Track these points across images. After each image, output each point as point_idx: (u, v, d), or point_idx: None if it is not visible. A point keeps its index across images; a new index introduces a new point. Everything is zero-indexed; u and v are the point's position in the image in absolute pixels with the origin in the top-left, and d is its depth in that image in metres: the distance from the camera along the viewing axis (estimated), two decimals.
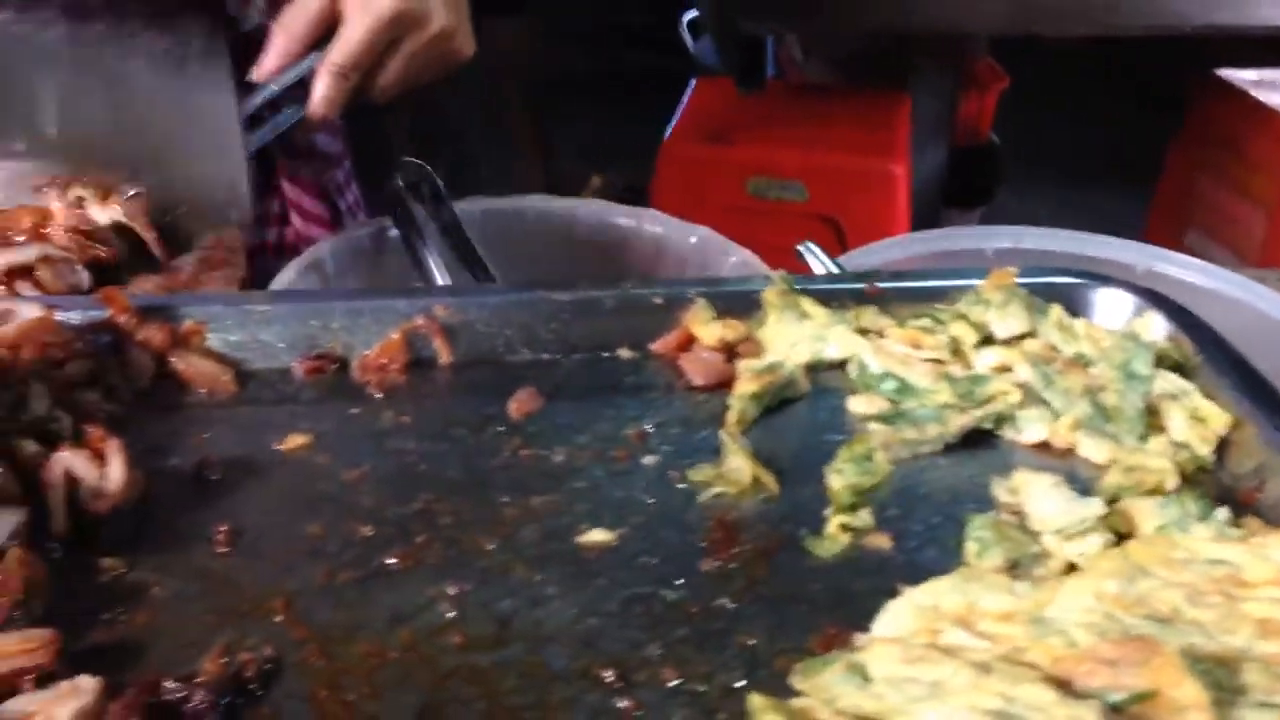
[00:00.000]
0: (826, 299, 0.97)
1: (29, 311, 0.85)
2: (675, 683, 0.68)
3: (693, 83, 3.88)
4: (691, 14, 4.88)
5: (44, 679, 0.65)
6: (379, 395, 0.91)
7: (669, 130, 3.48)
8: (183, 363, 0.90)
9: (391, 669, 0.69)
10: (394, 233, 1.36)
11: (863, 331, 0.94)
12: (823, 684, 0.58)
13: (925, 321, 0.92)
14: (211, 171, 1.15)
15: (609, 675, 0.68)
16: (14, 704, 0.64)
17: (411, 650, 0.70)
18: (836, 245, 3.07)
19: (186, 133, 1.14)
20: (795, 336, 0.93)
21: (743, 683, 0.68)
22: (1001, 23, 3.15)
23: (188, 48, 1.10)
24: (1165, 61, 4.47)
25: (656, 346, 0.96)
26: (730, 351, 0.94)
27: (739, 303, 0.97)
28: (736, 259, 1.34)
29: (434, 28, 1.26)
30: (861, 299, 0.97)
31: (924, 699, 0.54)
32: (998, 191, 4.30)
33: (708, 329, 0.94)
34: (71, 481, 0.77)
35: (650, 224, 1.42)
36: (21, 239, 1.13)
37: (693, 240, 1.39)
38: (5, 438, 0.77)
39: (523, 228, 1.45)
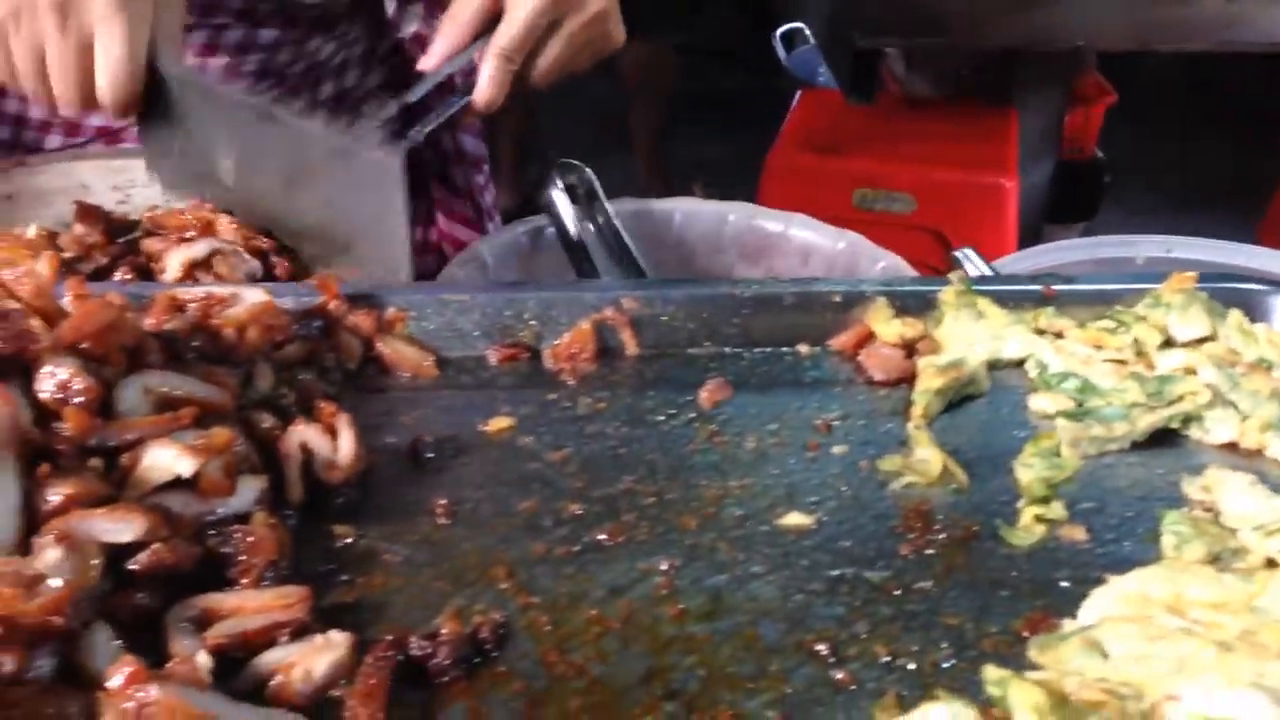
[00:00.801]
0: (1003, 300, 0.99)
1: (253, 296, 0.90)
2: (886, 659, 0.71)
3: (798, 95, 3.91)
4: (785, 27, 4.90)
5: (298, 633, 0.70)
6: (572, 382, 0.95)
7: (775, 142, 3.52)
8: (387, 347, 0.95)
9: (615, 636, 0.72)
10: (550, 231, 1.41)
11: (1040, 332, 0.97)
12: (1062, 657, 0.60)
13: (1107, 323, 0.94)
14: (375, 254, 1.11)
15: (822, 649, 0.71)
16: (273, 654, 0.69)
17: (631, 619, 0.73)
18: (941, 259, 3.07)
19: (356, 215, 1.12)
20: (973, 335, 0.96)
21: (952, 661, 0.70)
22: (1118, 38, 3.12)
23: (363, 123, 1.10)
24: (1276, 80, 4.40)
25: (835, 342, 0.99)
26: (909, 348, 0.96)
27: (915, 302, 0.99)
28: (885, 264, 1.36)
29: (592, 8, 1.29)
30: (1038, 300, 0.99)
31: (1172, 674, 0.56)
32: (1100, 207, 4.26)
33: (888, 326, 0.96)
34: (306, 453, 0.81)
35: (798, 228, 1.44)
36: (191, 234, 1.18)
37: (840, 245, 1.42)
38: (243, 411, 0.82)
39: (672, 229, 1.48)
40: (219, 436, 0.75)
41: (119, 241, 1.24)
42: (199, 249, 1.15)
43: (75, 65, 1.12)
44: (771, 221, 1.46)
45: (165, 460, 0.72)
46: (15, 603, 0.62)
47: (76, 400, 0.72)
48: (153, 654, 0.66)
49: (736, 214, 1.48)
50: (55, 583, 0.64)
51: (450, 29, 1.25)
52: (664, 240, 1.48)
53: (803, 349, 1.00)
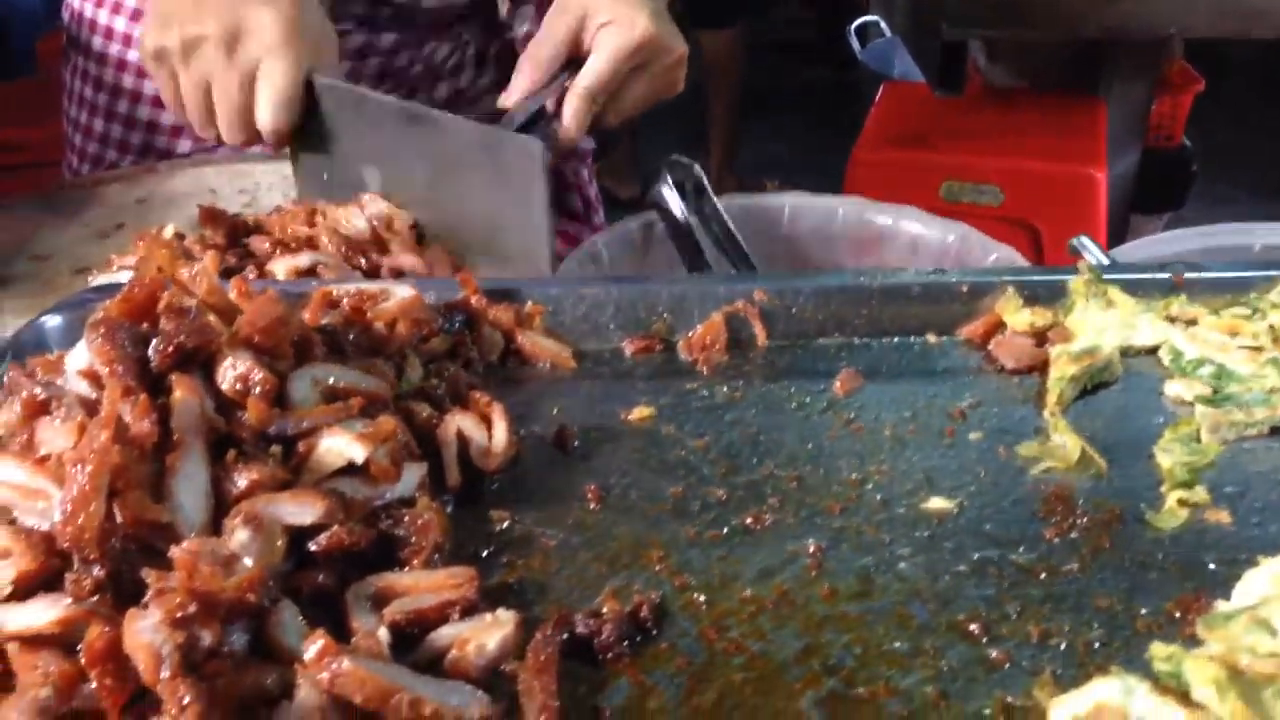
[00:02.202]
0: (1131, 288, 1.00)
1: (402, 292, 0.94)
2: (1039, 638, 0.72)
3: (880, 88, 3.90)
4: (860, 21, 4.88)
5: (468, 611, 0.73)
6: (707, 373, 0.98)
7: (857, 136, 3.51)
8: (527, 340, 0.99)
9: (769, 614, 0.75)
10: (660, 226, 1.43)
11: (1170, 319, 0.97)
12: (1232, 634, 0.61)
13: (1241, 310, 0.94)
14: (517, 245, 1.17)
15: (974, 628, 0.73)
16: (446, 631, 0.72)
17: (784, 599, 0.76)
18: (1031, 250, 3.05)
19: (499, 207, 1.16)
20: (1103, 324, 0.96)
21: (1106, 642, 0.72)
22: (1211, 24, 3.08)
23: (506, 141, 1.12)
24: None
25: (964, 332, 1.00)
26: (1039, 337, 0.97)
27: (1044, 291, 1.00)
28: (997, 256, 1.37)
29: (676, 54, 1.33)
30: (1167, 288, 1.00)
31: None
32: (1188, 197, 4.19)
33: (1018, 315, 0.97)
34: (461, 441, 0.85)
35: (908, 221, 1.46)
36: (294, 245, 1.22)
37: (950, 238, 1.43)
38: (399, 402, 0.86)
39: (781, 223, 1.50)
40: (385, 424, 0.78)
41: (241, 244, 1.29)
42: (303, 260, 1.19)
43: (239, 98, 1.18)
44: (881, 215, 1.47)
45: (339, 447, 0.76)
46: (214, 581, 0.65)
47: (256, 391, 0.75)
48: (331, 630, 0.69)
49: (846, 208, 1.50)
50: (248, 562, 0.68)
51: (529, 68, 1.27)
52: (773, 234, 1.50)
53: (931, 338, 1.01)
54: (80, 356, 0.76)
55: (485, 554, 0.79)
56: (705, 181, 1.46)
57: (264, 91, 1.15)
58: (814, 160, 3.36)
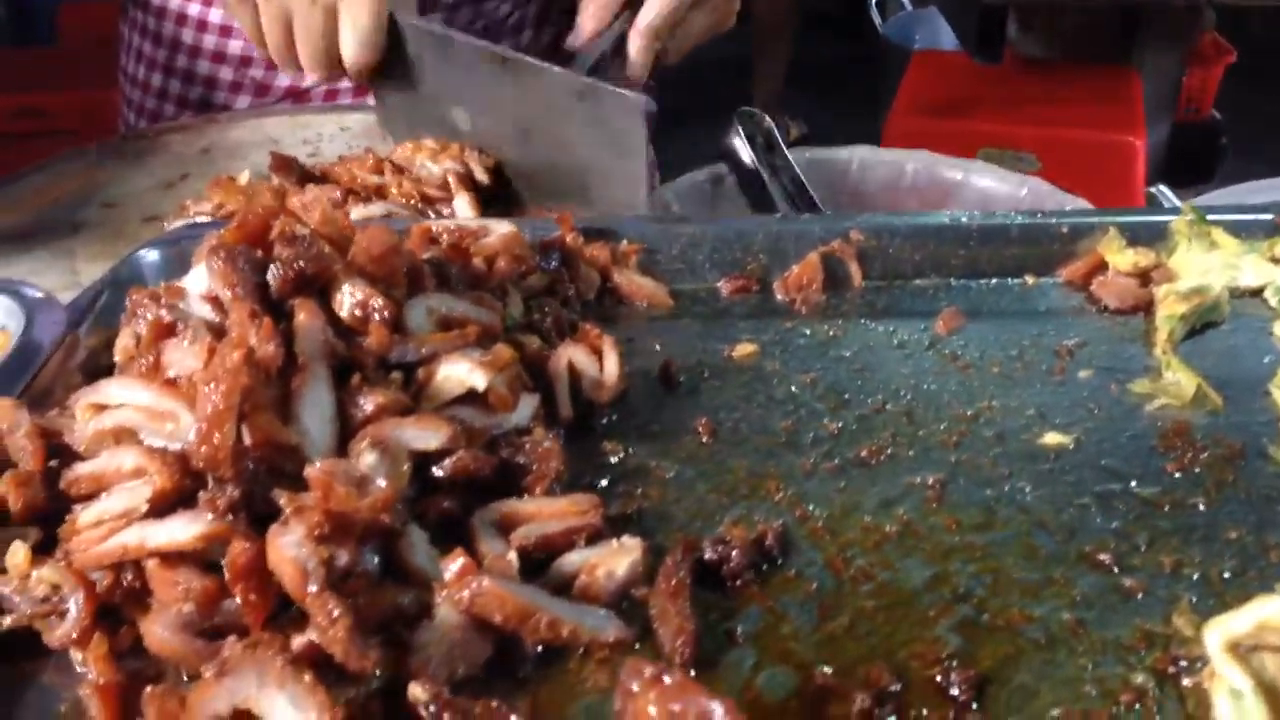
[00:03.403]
0: (1234, 230, 0.98)
1: (502, 228, 0.93)
2: (1172, 569, 0.71)
3: (911, 59, 3.88)
4: None
5: (592, 538, 0.72)
6: (805, 312, 0.97)
7: (889, 107, 3.50)
8: (624, 279, 0.98)
9: (894, 544, 0.74)
10: (729, 178, 1.42)
11: (1275, 260, 0.96)
12: None
13: None
14: (612, 194, 1.14)
15: (1104, 558, 0.72)
16: (573, 557, 0.71)
17: (909, 529, 0.75)
18: None
19: (595, 157, 1.13)
20: (1207, 265, 0.95)
21: (1240, 573, 0.71)
22: None
23: (606, 94, 1.08)
24: None
25: (1065, 272, 0.99)
26: (1143, 278, 0.96)
27: (1145, 232, 0.99)
28: (1071, 208, 1.36)
29: None
30: (1269, 230, 0.99)
31: None
32: (1219, 170, 4.17)
33: (1122, 256, 0.96)
34: (573, 373, 0.84)
35: (979, 176, 1.45)
36: (364, 194, 1.21)
37: (1023, 192, 1.41)
38: (510, 334, 0.85)
39: (849, 177, 1.49)
40: (503, 353, 0.78)
41: None
42: (375, 209, 1.18)
43: (321, 33, 1.17)
44: (951, 169, 1.46)
45: (459, 374, 0.75)
46: (349, 501, 0.65)
47: (377, 317, 0.75)
48: None
49: (915, 162, 1.49)
50: (380, 483, 0.68)
51: (595, 8, 1.26)
52: (841, 188, 1.49)
53: (1029, 279, 1.00)
54: (200, 281, 0.75)
55: (601, 485, 0.79)
56: (776, 133, 1.44)
57: (346, 26, 1.15)
58: (837, 132, 3.34)
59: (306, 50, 1.18)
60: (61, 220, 1.29)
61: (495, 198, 1.22)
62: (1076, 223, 1.00)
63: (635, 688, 0.48)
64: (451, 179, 1.20)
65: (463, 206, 1.19)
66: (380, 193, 1.23)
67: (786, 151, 1.44)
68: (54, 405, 0.79)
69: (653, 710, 0.47)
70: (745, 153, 1.41)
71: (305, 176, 1.28)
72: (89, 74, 3.45)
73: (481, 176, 1.19)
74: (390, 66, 1.20)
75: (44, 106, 3.48)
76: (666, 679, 0.47)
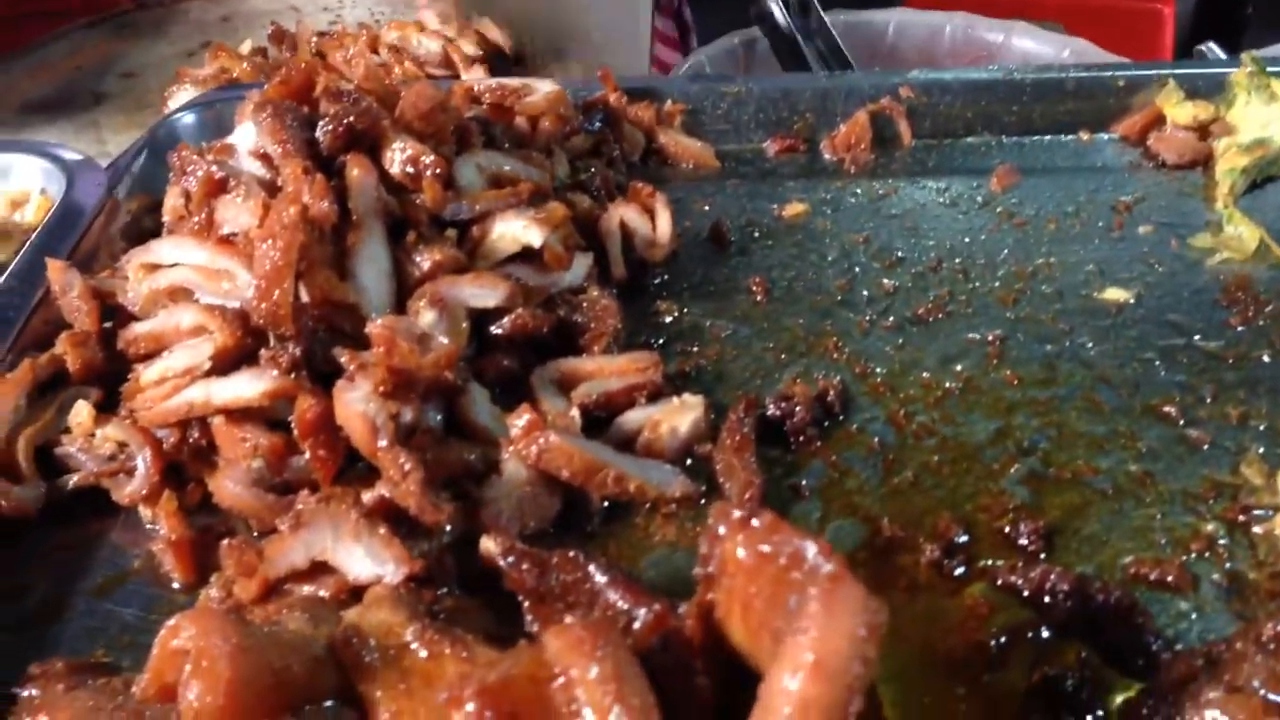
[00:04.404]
0: None
1: (545, 87, 0.90)
2: (1239, 420, 0.70)
3: None
4: None
5: (653, 396, 0.72)
6: (854, 171, 0.95)
7: None
8: (669, 139, 0.95)
9: (956, 400, 0.73)
10: (763, 42, 1.39)
11: None
12: None
13: None
14: (616, 42, 1.18)
15: (1170, 410, 0.71)
16: (635, 414, 0.71)
17: (970, 385, 0.74)
18: None
19: (599, 26, 1.18)
20: (1267, 117, 0.93)
21: None
22: None
23: None
24: None
25: (1120, 127, 0.97)
26: (1202, 131, 0.94)
27: (1203, 84, 0.96)
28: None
29: None
30: None
31: None
32: (1248, 29, 4.06)
33: (1180, 109, 0.94)
34: (625, 232, 0.82)
35: (1020, 37, 1.41)
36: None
37: (1065, 54, 1.38)
38: (560, 194, 0.83)
39: (886, 40, 1.45)
40: (557, 210, 0.76)
41: None
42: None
43: None
44: (991, 31, 1.43)
45: (514, 231, 0.74)
46: (412, 358, 0.64)
47: (429, 174, 0.73)
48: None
49: (954, 24, 1.45)
50: (443, 340, 0.67)
51: None
52: (877, 51, 1.46)
53: (1084, 135, 0.98)
54: (248, 138, 0.73)
55: (657, 344, 0.78)
56: None
57: None
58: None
59: None
60: (84, 90, 1.26)
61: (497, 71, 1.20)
62: (1133, 76, 0.97)
63: (722, 530, 0.48)
64: (456, 56, 1.17)
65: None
66: (384, 70, 1.20)
67: (822, 14, 1.40)
68: (99, 268, 0.78)
69: (742, 553, 0.46)
70: (780, 15, 1.37)
71: (297, 49, 1.25)
72: None
73: (470, 49, 1.17)
74: None
75: None
76: (755, 521, 0.47)
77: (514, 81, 0.92)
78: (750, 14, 1.40)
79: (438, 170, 0.73)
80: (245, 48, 1.25)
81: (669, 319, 0.80)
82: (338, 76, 0.78)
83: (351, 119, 0.73)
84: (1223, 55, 1.23)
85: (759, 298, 0.82)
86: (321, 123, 0.73)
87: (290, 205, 0.65)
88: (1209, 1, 3.93)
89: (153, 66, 1.32)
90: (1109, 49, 3.26)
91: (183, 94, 1.14)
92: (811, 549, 0.44)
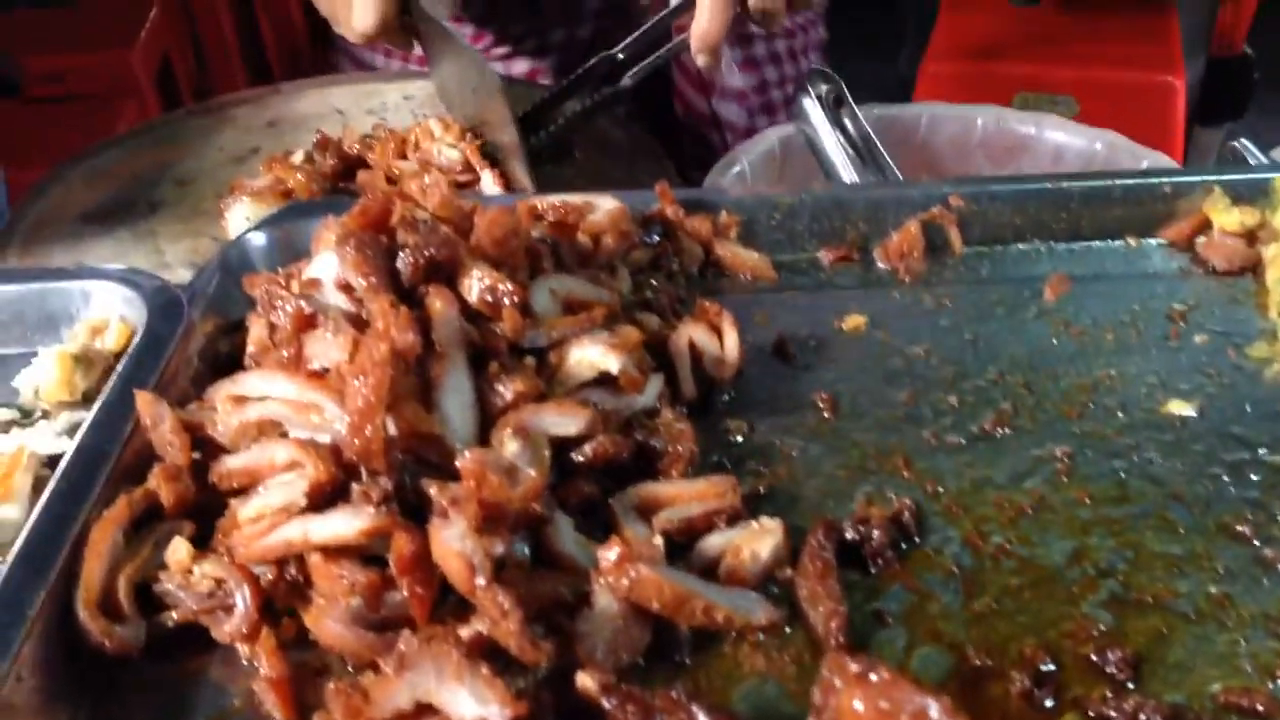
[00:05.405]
0: None
1: (607, 204, 0.93)
2: None
3: (942, 2, 3.82)
4: None
5: (732, 519, 0.73)
6: (908, 280, 0.97)
7: (926, 49, 3.45)
8: (726, 251, 0.97)
9: (1030, 519, 0.74)
10: (798, 139, 1.41)
11: None
12: None
13: None
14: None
15: (1243, 529, 0.72)
16: (715, 539, 0.72)
17: (1042, 503, 0.75)
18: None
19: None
20: None
21: None
22: None
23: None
24: None
25: (1167, 233, 0.99)
26: (1249, 237, 0.96)
27: (1247, 190, 0.98)
28: (1149, 162, 1.34)
29: None
30: None
31: None
32: (1249, 106, 4.12)
33: (1227, 215, 0.96)
34: (694, 351, 0.84)
35: (1052, 129, 1.43)
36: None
37: (1098, 146, 1.40)
38: (627, 312, 0.85)
39: (919, 133, 1.48)
40: (631, 334, 0.78)
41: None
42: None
43: None
44: (1023, 124, 1.45)
45: (593, 357, 0.75)
46: (503, 491, 0.65)
47: (508, 303, 0.75)
48: (602, 539, 0.69)
49: (985, 116, 1.47)
50: (530, 472, 0.68)
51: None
52: (908, 144, 1.48)
53: (1132, 240, 0.99)
54: (329, 268, 0.75)
55: (729, 464, 0.79)
56: (846, 92, 1.43)
57: None
58: (857, 72, 3.29)
59: (334, 12, 1.27)
60: (140, 199, 1.29)
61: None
62: (1178, 182, 0.99)
63: (839, 684, 0.49)
64: (473, 159, 1.21)
65: (489, 184, 1.20)
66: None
67: (855, 109, 1.42)
68: (177, 393, 0.79)
69: (859, 706, 0.48)
70: (816, 113, 1.40)
71: (343, 157, 1.28)
72: (106, 34, 3.41)
73: (455, 154, 1.21)
74: (427, 47, 1.26)
75: (62, 70, 3.43)
76: (874, 675, 0.48)
77: (576, 198, 0.94)
78: (789, 111, 1.43)
79: (516, 299, 0.75)
80: (298, 158, 1.28)
81: (739, 438, 0.81)
82: (413, 204, 0.80)
83: (432, 251, 0.75)
84: (1258, 153, 1.25)
85: (826, 414, 0.83)
86: (402, 254, 0.75)
87: (380, 342, 0.67)
88: (1216, 70, 3.99)
89: (205, 173, 1.34)
90: (1122, 121, 3.29)
91: (239, 206, 1.16)
92: (934, 707, 0.45)
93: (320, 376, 0.70)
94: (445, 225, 0.80)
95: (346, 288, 0.74)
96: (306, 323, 0.71)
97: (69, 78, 3.46)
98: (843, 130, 1.43)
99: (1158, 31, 3.37)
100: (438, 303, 0.73)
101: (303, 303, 0.72)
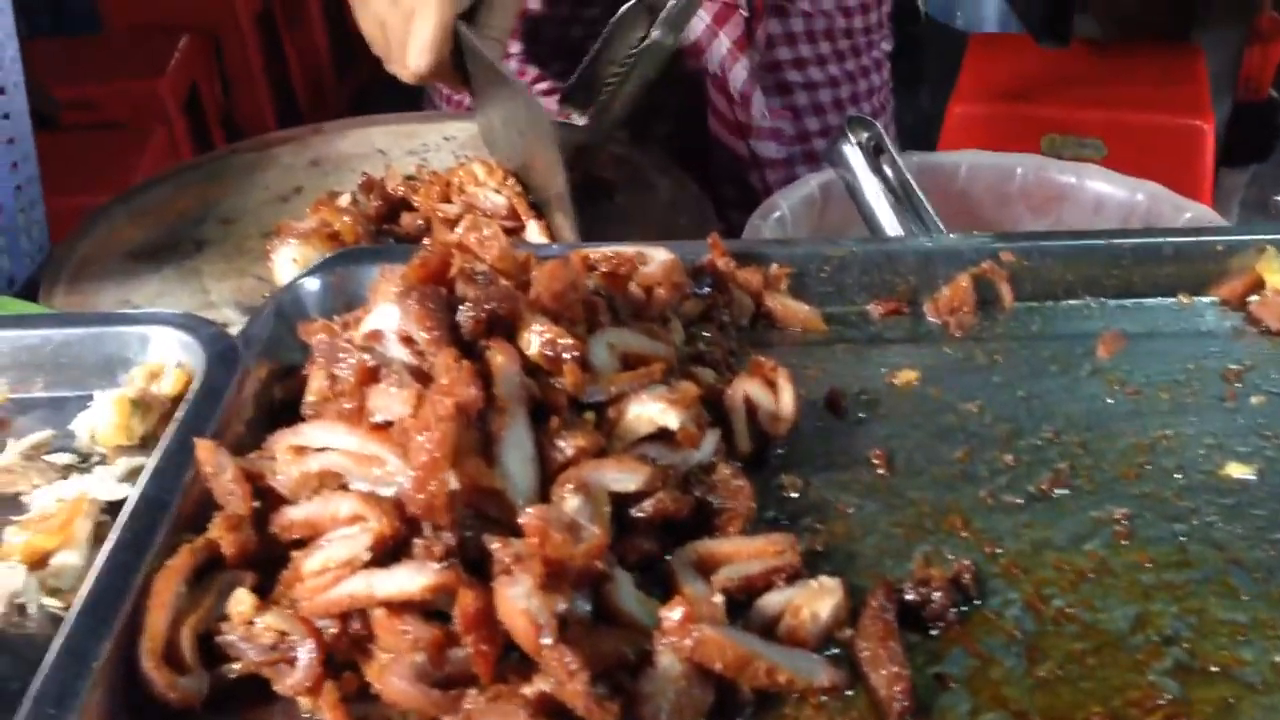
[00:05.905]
0: None
1: (661, 255, 0.93)
2: None
3: (969, 42, 3.83)
4: None
5: (791, 577, 0.73)
6: (959, 335, 0.96)
7: (953, 91, 3.46)
8: (777, 303, 0.97)
9: (1091, 583, 0.74)
10: (837, 185, 1.41)
11: None
12: None
13: None
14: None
15: None
16: (774, 598, 0.71)
17: (1103, 567, 0.75)
18: None
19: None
20: None
21: None
22: None
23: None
24: None
25: (1220, 292, 0.98)
26: None
27: None
28: (1191, 215, 1.34)
29: None
30: None
31: None
32: (1275, 150, 4.12)
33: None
34: (749, 406, 0.84)
35: (1093, 179, 1.43)
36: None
37: (1139, 197, 1.40)
38: (683, 365, 0.85)
39: (957, 181, 1.48)
40: (689, 390, 0.78)
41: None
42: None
43: (399, 34, 1.22)
44: (1063, 173, 1.45)
45: (652, 413, 0.75)
46: (565, 548, 0.65)
47: (568, 357, 0.75)
48: (662, 598, 0.69)
49: (1025, 165, 1.47)
50: (593, 528, 0.68)
51: None
52: (948, 192, 1.48)
53: (1184, 298, 0.99)
54: (389, 320, 0.75)
55: (785, 520, 0.79)
56: (885, 139, 1.43)
57: (413, 30, 1.25)
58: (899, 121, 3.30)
59: (391, 53, 1.29)
60: (184, 237, 1.30)
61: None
62: (1231, 241, 0.99)
63: None
64: (519, 207, 1.22)
65: (534, 233, 1.20)
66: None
67: (895, 156, 1.43)
68: (233, 438, 0.79)
69: None
70: (855, 159, 1.40)
71: (387, 198, 1.29)
72: (135, 63, 3.44)
73: (500, 200, 1.22)
74: (475, 85, 1.27)
75: (91, 99, 3.47)
76: None
77: (629, 249, 0.94)
78: (825, 158, 1.43)
79: (575, 354, 0.75)
80: (344, 199, 1.28)
81: (794, 494, 0.81)
82: (471, 256, 0.81)
83: (493, 305, 0.75)
84: None
85: (881, 470, 0.83)
86: (463, 308, 0.75)
87: (445, 397, 0.67)
88: (1242, 114, 3.98)
89: (250, 212, 1.35)
90: (1150, 164, 3.29)
91: (285, 249, 1.17)
92: None
93: (383, 429, 0.70)
94: (505, 279, 0.80)
95: (408, 340, 0.74)
96: (369, 376, 0.72)
97: (99, 105, 3.50)
98: (882, 177, 1.44)
99: (1186, 75, 3.37)
100: (500, 357, 0.73)
101: (366, 356, 0.72)
